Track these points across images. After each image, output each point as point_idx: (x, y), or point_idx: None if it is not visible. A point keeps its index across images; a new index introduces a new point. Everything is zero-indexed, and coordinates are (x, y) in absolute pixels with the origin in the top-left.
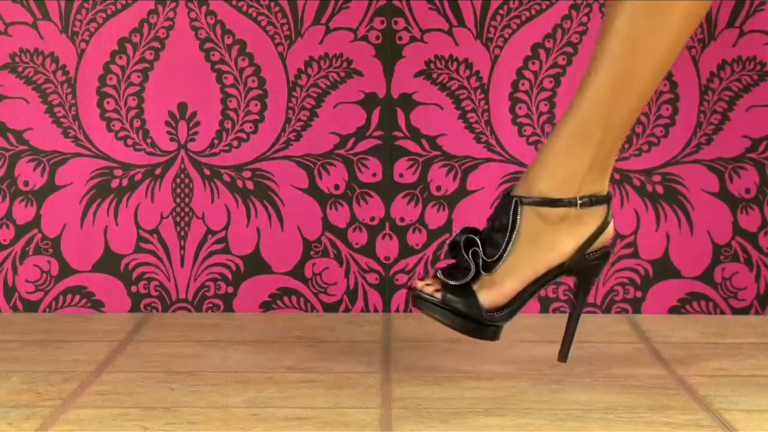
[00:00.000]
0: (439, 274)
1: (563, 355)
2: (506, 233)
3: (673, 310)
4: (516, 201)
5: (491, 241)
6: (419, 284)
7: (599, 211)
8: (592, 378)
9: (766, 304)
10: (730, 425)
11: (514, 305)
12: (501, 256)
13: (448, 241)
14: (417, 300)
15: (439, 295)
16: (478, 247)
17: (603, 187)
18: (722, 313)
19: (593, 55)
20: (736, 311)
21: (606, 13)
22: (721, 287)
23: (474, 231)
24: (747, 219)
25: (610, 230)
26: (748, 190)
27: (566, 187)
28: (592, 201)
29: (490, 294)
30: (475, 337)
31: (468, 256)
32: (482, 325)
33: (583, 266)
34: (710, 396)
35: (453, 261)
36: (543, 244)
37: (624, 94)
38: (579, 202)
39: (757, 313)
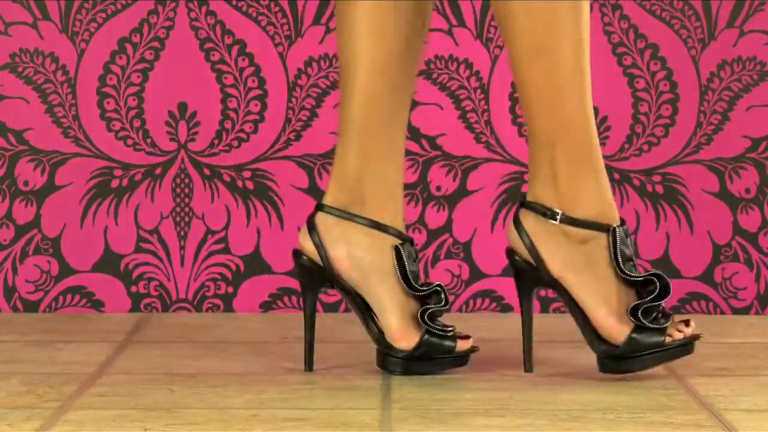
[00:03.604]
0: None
1: (309, 365)
2: None
3: (673, 310)
4: None
5: None
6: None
7: None
8: (592, 378)
9: (766, 304)
10: (730, 425)
11: None
12: None
13: None
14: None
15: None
16: None
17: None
18: (722, 313)
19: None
20: (736, 311)
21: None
22: (721, 287)
23: None
24: (747, 219)
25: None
26: (748, 190)
27: None
28: None
29: None
30: None
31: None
32: None
33: None
34: (710, 396)
35: None
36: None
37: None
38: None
39: (757, 313)
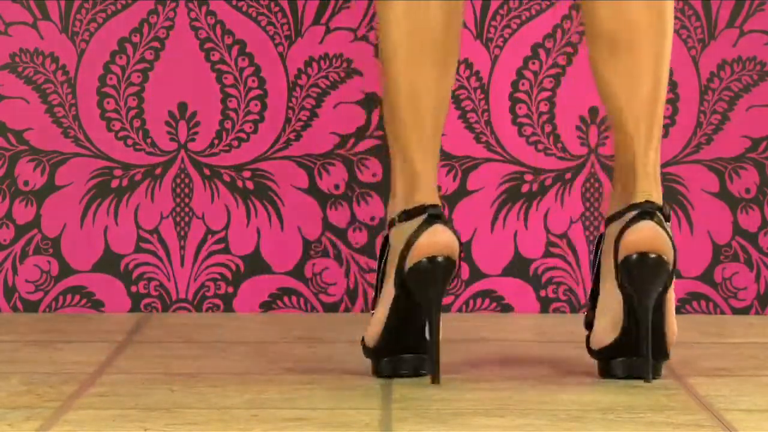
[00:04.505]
0: None
1: (435, 375)
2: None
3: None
4: (386, 234)
5: None
6: None
7: (416, 224)
8: (592, 378)
9: (766, 304)
10: (730, 425)
11: (383, 333)
12: (376, 290)
13: None
14: None
15: None
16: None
17: (428, 199)
18: (722, 313)
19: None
20: (736, 311)
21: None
22: (721, 287)
23: None
24: (747, 219)
25: (425, 239)
26: (748, 190)
27: (391, 209)
28: (409, 215)
29: (369, 329)
30: (383, 376)
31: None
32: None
33: (411, 279)
34: (710, 396)
35: None
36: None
37: (393, 106)
38: (397, 219)
39: (757, 313)
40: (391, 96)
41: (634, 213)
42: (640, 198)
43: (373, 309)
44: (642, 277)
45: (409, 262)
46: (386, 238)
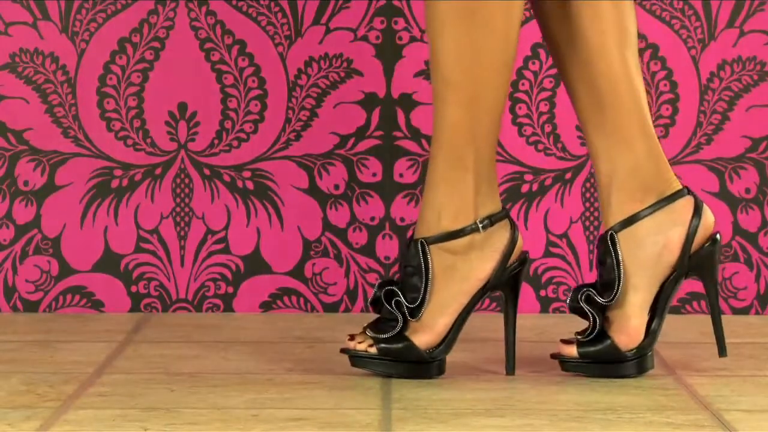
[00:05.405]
0: (368, 332)
1: (510, 368)
2: (422, 276)
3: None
4: (422, 243)
5: (410, 287)
6: (351, 345)
7: (503, 227)
8: (592, 378)
9: (766, 304)
10: (730, 425)
11: (449, 338)
12: (423, 300)
13: (369, 300)
14: (354, 360)
15: (373, 349)
16: (400, 297)
17: (497, 204)
18: (722, 313)
19: (433, 81)
20: (736, 311)
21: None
22: (721, 287)
23: (390, 282)
24: (747, 219)
25: (520, 241)
26: (748, 190)
27: (463, 216)
28: (492, 220)
29: (424, 336)
30: (422, 378)
31: (392, 307)
32: (425, 363)
33: (505, 279)
34: (710, 396)
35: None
36: (459, 275)
37: (478, 108)
38: (480, 225)
39: (757, 313)
40: (487, 103)
41: (692, 199)
42: (678, 183)
43: (400, 314)
44: (718, 257)
45: (512, 260)
46: (426, 249)
